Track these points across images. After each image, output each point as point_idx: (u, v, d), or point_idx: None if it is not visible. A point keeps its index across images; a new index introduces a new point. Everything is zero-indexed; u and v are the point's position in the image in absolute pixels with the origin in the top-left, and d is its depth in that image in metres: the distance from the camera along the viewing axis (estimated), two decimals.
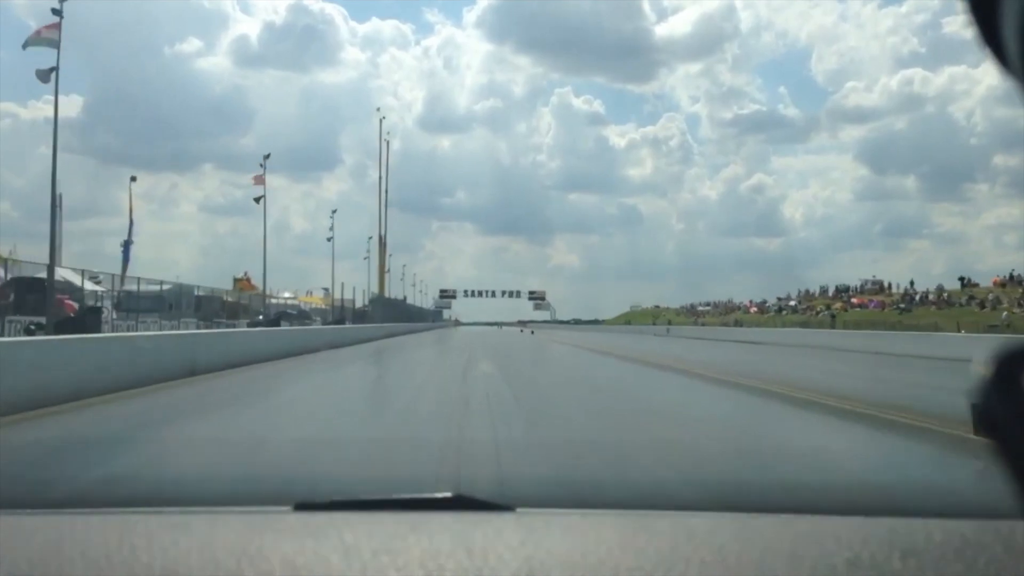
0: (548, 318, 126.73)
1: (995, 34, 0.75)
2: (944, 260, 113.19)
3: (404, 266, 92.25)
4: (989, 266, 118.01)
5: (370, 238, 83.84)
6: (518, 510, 1.38)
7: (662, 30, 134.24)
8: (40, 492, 1.81)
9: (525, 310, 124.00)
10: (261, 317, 35.86)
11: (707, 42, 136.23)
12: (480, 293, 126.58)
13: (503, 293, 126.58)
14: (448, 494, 1.43)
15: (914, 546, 1.03)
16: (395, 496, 1.44)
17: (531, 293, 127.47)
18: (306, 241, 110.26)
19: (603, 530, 1.15)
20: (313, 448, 6.02)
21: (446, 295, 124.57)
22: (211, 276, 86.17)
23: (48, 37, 21.52)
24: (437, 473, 4.48)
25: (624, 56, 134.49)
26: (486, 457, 5.49)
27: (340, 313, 47.68)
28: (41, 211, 20.96)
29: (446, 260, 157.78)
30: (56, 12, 20.74)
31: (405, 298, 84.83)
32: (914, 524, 1.12)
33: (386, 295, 68.55)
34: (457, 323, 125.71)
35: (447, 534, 1.13)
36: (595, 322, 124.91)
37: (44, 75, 22.29)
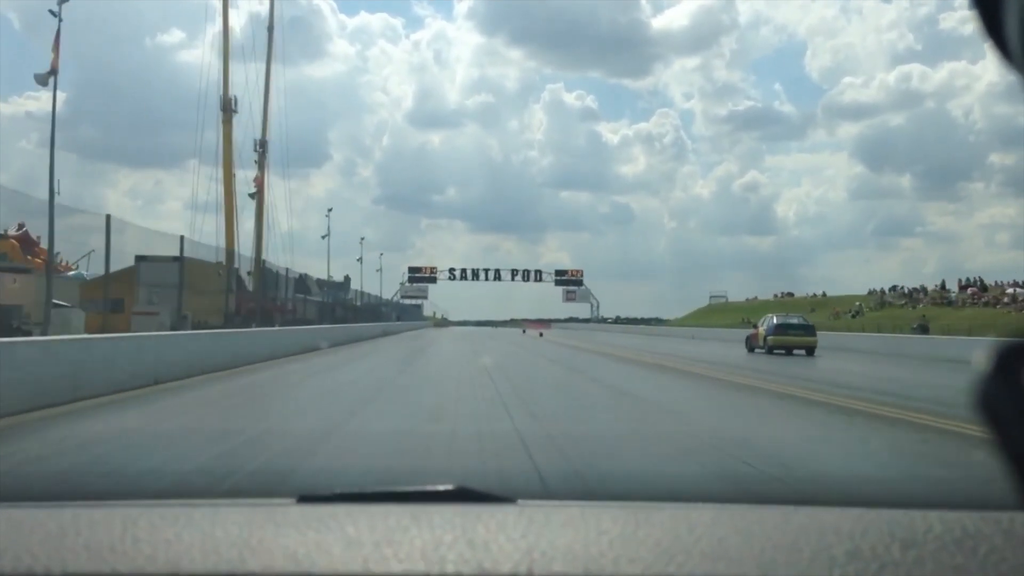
0: (588, 315, 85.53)
1: (998, 28, 0.75)
2: (936, 259, 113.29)
3: (381, 254, 73.11)
4: (980, 264, 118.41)
5: (362, 239, 68.98)
6: (519, 502, 1.39)
7: (659, 22, 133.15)
8: None
9: (551, 303, 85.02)
10: None
11: (705, 35, 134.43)
12: (475, 274, 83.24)
13: (514, 275, 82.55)
14: (450, 486, 1.44)
15: (914, 537, 1.04)
16: (398, 488, 1.46)
17: (559, 275, 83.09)
18: (295, 239, 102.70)
19: (604, 522, 1.16)
20: None
21: (419, 278, 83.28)
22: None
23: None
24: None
25: (619, 50, 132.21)
26: None
27: None
28: (21, 206, 19.63)
29: (435, 258, 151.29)
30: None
31: (348, 279, 53.15)
32: (914, 515, 1.13)
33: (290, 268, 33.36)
34: (445, 322, 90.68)
35: (449, 526, 1.14)
36: (652, 322, 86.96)
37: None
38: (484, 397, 11.66)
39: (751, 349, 28.97)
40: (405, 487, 1.46)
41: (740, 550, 1.04)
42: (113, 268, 17.17)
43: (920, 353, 27.51)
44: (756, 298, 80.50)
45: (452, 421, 9.12)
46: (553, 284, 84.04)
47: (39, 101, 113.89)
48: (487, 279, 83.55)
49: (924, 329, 41.36)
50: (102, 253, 16.61)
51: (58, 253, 20.12)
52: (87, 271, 23.00)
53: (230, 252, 29.61)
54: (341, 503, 1.34)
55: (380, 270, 72.02)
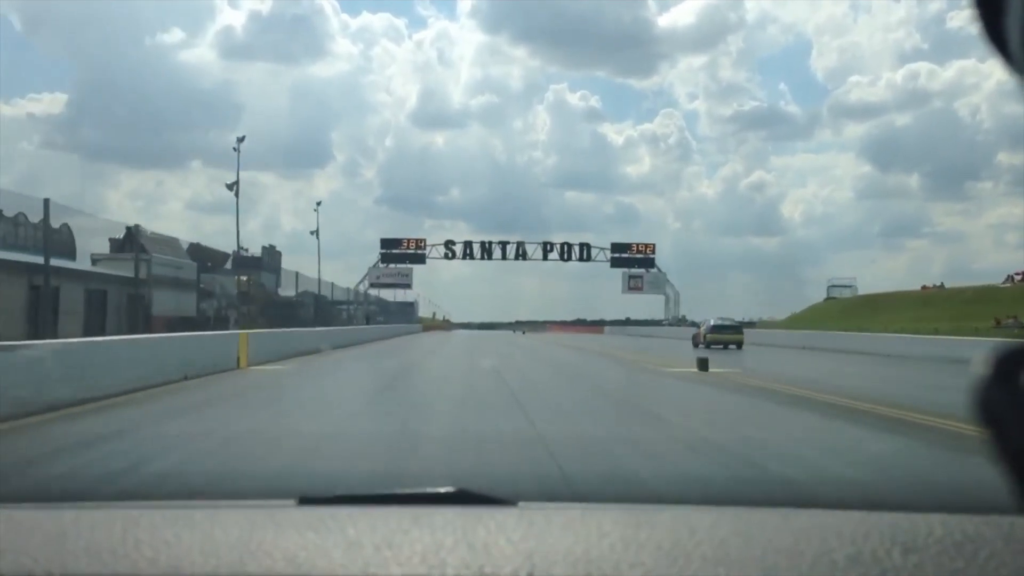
0: (663, 315, 58.69)
1: (999, 30, 0.74)
2: (943, 259, 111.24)
3: (319, 203, 50.45)
4: (988, 264, 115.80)
5: (319, 203, 50.21)
6: (520, 504, 1.40)
7: (665, 21, 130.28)
8: None
9: (604, 292, 64.00)
10: None
11: (712, 34, 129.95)
12: (487, 251, 59.05)
13: (547, 250, 57.80)
14: (451, 488, 1.44)
15: (915, 541, 1.04)
16: (398, 490, 1.47)
17: (619, 251, 57.30)
18: (296, 239, 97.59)
19: (605, 525, 1.16)
20: None
21: (398, 255, 59.91)
22: None
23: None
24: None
25: (625, 48, 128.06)
26: None
27: None
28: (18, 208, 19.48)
29: (438, 258, 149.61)
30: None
31: (276, 253, 41.12)
32: (915, 519, 1.13)
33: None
34: (448, 325, 70.80)
35: (449, 528, 1.14)
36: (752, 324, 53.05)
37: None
38: None
39: (695, 345, 33.51)
40: (405, 489, 1.47)
41: (741, 554, 1.04)
42: None
43: None
44: (942, 285, 54.52)
45: None
46: (608, 265, 56.96)
47: (41, 103, 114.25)
48: (504, 257, 59.12)
49: None
50: None
51: None
52: None
53: None
54: (341, 505, 1.35)
55: (316, 232, 48.85)
